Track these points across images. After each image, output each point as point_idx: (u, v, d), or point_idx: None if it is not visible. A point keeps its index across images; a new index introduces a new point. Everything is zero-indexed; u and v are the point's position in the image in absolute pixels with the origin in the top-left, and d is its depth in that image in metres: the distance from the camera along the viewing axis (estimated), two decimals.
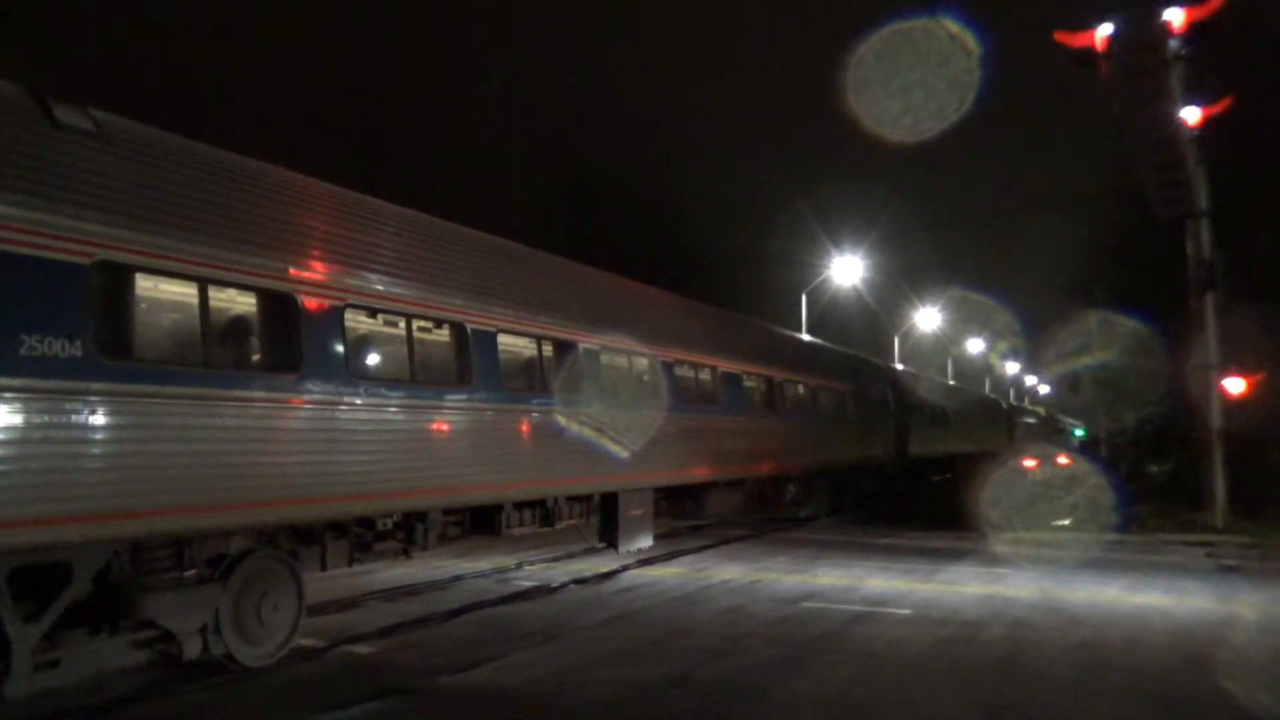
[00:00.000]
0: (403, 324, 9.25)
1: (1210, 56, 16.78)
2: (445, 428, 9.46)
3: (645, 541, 13.37)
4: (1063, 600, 10.62)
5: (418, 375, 9.39)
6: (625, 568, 13.19)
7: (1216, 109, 16.71)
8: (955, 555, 14.58)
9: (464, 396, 9.70)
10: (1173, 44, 16.11)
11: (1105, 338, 28.94)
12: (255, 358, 7.88)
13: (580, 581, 12.08)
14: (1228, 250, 17.93)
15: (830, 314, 38.90)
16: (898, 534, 18.04)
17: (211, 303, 7.32)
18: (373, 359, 9.49)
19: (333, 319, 8.16)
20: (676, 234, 43.18)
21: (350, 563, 8.96)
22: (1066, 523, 18.30)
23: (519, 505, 10.91)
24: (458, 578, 12.37)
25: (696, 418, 14.57)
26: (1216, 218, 17.75)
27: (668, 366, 13.96)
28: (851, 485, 22.97)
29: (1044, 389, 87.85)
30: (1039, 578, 12.06)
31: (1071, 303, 33.22)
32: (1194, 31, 15.87)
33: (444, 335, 9.95)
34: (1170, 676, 7.38)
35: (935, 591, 11.29)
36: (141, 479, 6.51)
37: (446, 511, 9.89)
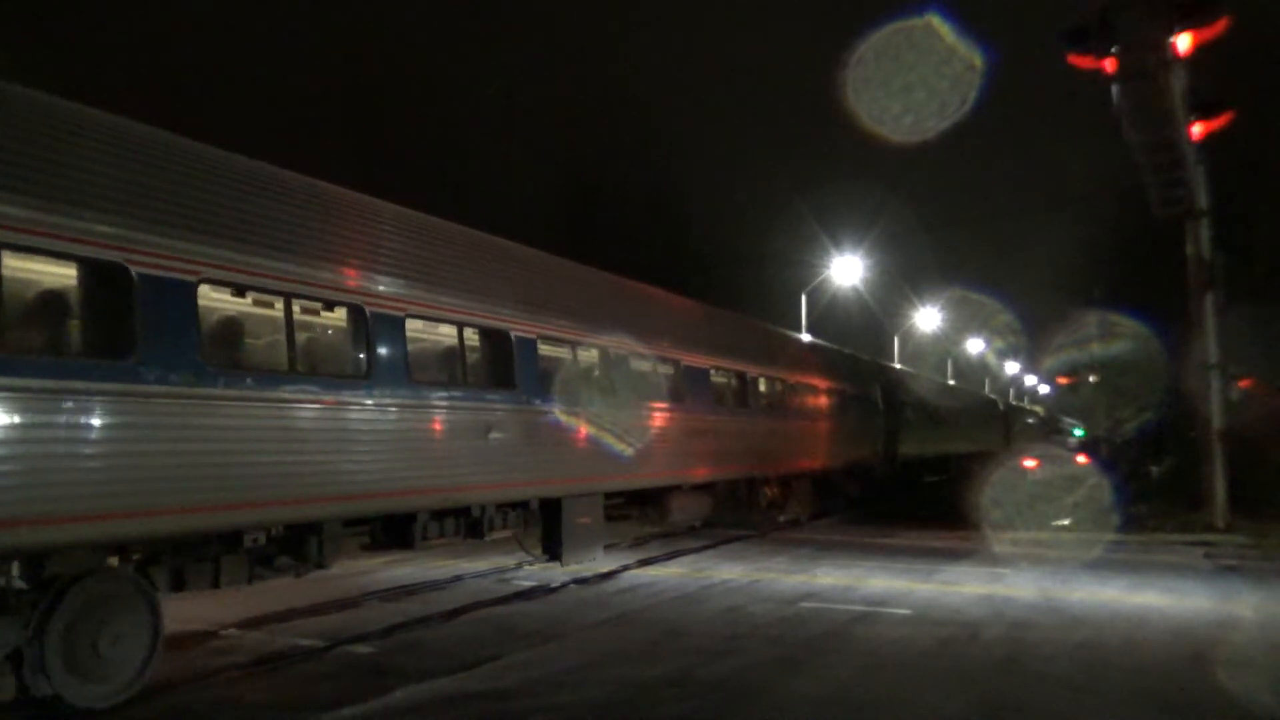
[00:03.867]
0: (280, 305, 8.00)
1: (1211, 58, 16.77)
2: (338, 426, 8.27)
3: (595, 552, 12.29)
4: (1062, 600, 10.61)
5: (300, 365, 8.24)
6: (625, 567, 13.19)
7: (1217, 123, 16.70)
8: (955, 555, 14.57)
9: (362, 390, 8.50)
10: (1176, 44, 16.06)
11: (1105, 337, 28.98)
12: (73, 341, 6.80)
13: (580, 581, 12.07)
14: (1228, 250, 17.94)
15: (830, 314, 38.92)
16: (897, 534, 18.03)
17: (8, 273, 6.10)
18: (239, 345, 8.25)
19: (181, 296, 6.95)
20: (677, 234, 43.24)
21: (250, 580, 8.00)
22: (1066, 523, 18.30)
23: (439, 514, 9.72)
24: (458, 578, 12.37)
25: (656, 415, 13.45)
26: (1216, 218, 17.75)
27: (621, 359, 12.79)
28: (836, 488, 22.10)
29: (1044, 389, 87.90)
30: (1039, 578, 12.06)
31: (1071, 303, 33.31)
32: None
33: (338, 319, 8.82)
34: (1170, 676, 7.38)
35: (935, 591, 11.28)
36: None
37: (347, 522, 8.74)
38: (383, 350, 8.73)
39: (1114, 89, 15.37)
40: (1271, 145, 21.77)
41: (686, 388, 14.59)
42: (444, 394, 9.68)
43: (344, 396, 8.36)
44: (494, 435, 10.06)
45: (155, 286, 6.77)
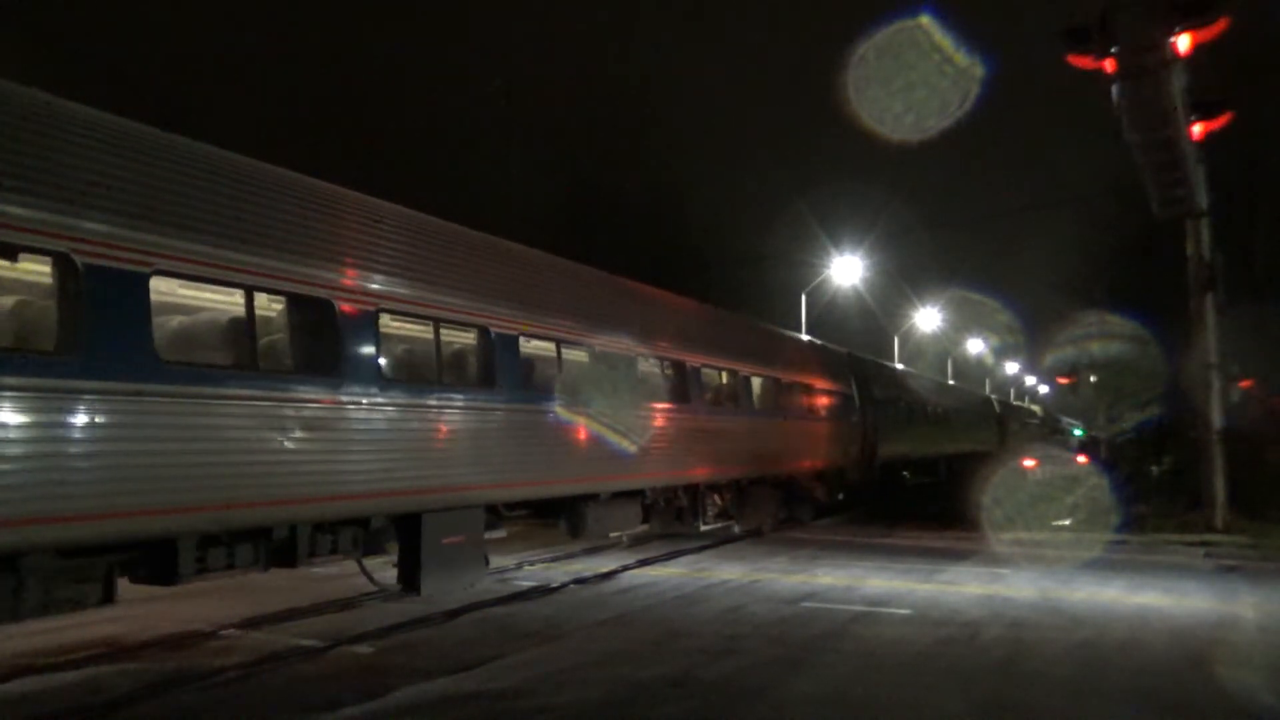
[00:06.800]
0: None
1: (1210, 57, 16.78)
2: (25, 423, 6.03)
3: (471, 577, 10.25)
4: (1062, 600, 10.62)
5: None
6: (625, 568, 13.19)
7: (1216, 124, 16.70)
8: (955, 555, 14.58)
9: (66, 374, 6.22)
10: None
11: (1105, 337, 29.01)
12: None
13: (580, 581, 12.07)
14: (1227, 250, 17.96)
15: (830, 314, 38.98)
16: (896, 534, 18.05)
17: None
18: None
19: None
20: (676, 233, 43.17)
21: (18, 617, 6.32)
22: (1067, 523, 18.33)
23: (226, 538, 7.57)
24: None
25: (560, 410, 11.31)
26: (1216, 218, 17.76)
27: (508, 342, 10.49)
28: (804, 494, 20.07)
29: (1044, 389, 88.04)
30: (1039, 578, 12.06)
31: (1071, 303, 33.33)
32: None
33: (35, 273, 6.95)
34: (1170, 676, 7.38)
35: (935, 591, 11.29)
36: None
37: (66, 552, 6.50)
38: (108, 319, 6.45)
39: (1114, 89, 15.39)
40: (1271, 145, 21.78)
41: (604, 378, 12.29)
42: (215, 382, 7.31)
43: (33, 381, 6.03)
44: (304, 434, 7.88)
45: None
